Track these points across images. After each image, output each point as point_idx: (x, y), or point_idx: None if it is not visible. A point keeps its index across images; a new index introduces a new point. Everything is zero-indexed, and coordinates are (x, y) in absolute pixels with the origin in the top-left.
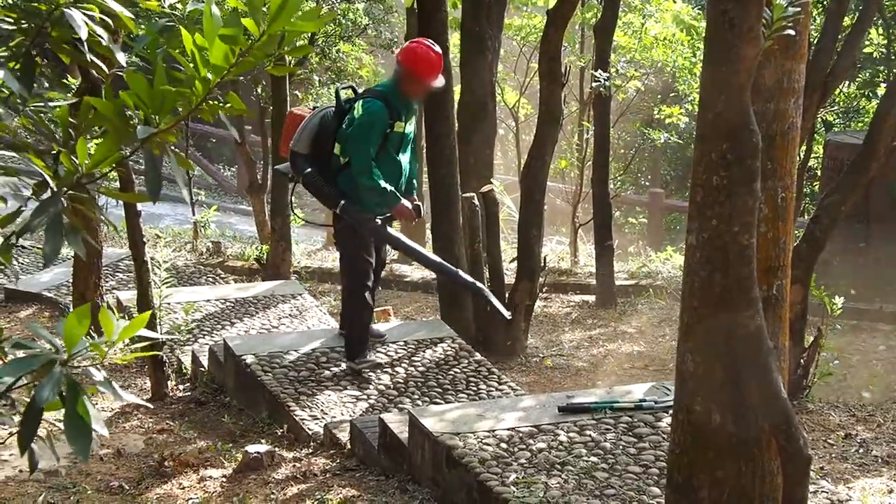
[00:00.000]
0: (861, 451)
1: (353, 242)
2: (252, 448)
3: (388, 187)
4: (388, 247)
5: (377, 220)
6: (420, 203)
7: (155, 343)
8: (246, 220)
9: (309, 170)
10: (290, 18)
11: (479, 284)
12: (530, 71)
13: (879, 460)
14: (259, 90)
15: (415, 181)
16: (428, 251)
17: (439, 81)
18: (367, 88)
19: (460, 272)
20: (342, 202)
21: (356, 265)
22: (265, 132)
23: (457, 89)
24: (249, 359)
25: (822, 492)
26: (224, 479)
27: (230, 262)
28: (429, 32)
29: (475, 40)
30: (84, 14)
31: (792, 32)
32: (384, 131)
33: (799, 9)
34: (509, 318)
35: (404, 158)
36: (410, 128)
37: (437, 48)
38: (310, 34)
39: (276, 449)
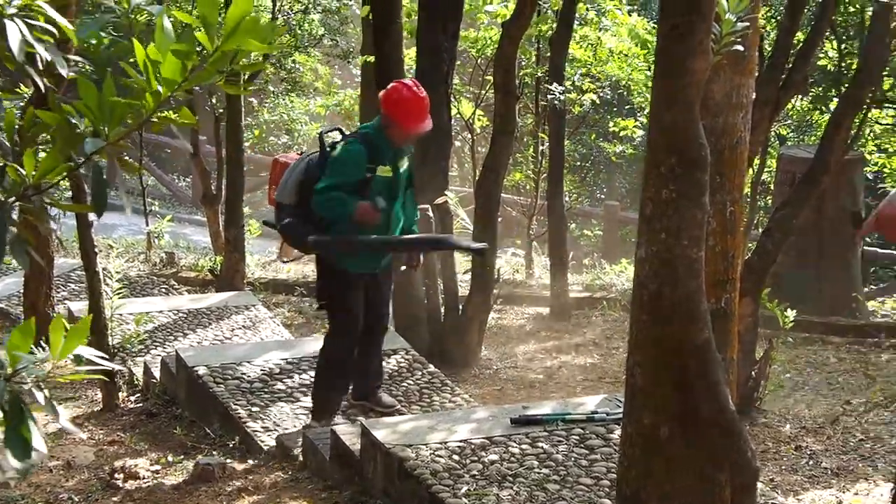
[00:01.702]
0: (811, 462)
1: (340, 299)
2: (203, 460)
3: (343, 197)
4: (390, 309)
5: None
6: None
7: (105, 359)
8: (200, 230)
9: (289, 220)
10: (245, 37)
11: (440, 236)
12: (486, 83)
13: (829, 472)
14: (214, 100)
15: (415, 228)
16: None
17: (425, 126)
18: (356, 130)
19: (421, 237)
20: (311, 237)
21: (336, 328)
22: (220, 143)
23: None
24: (202, 370)
25: (773, 502)
26: (175, 491)
27: (184, 273)
28: (383, 44)
29: (430, 52)
30: (27, 23)
31: (741, 48)
32: (362, 175)
33: (748, 24)
34: (485, 247)
35: (397, 204)
36: (403, 169)
37: (422, 91)
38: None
39: (228, 461)
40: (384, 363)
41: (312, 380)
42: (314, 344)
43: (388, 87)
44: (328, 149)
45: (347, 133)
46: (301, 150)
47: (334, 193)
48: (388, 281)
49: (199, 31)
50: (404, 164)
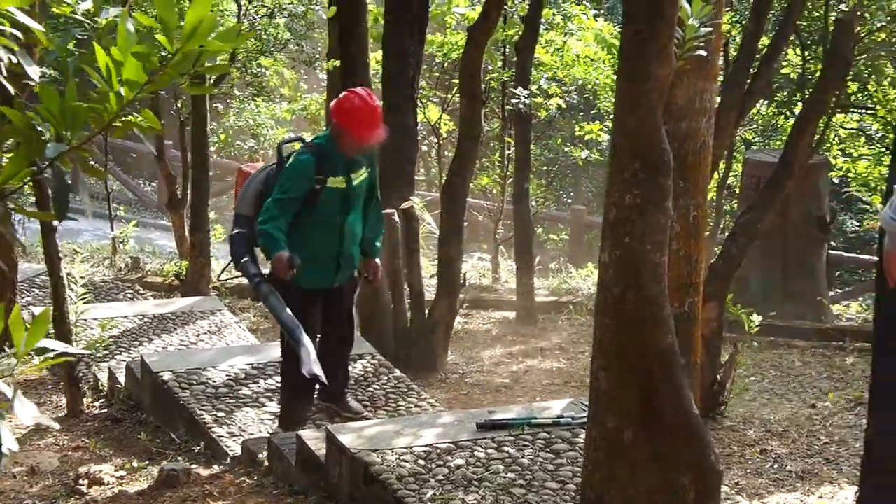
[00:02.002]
0: (776, 466)
1: (295, 313)
2: (168, 465)
3: (277, 236)
4: (355, 320)
5: (261, 276)
6: (378, 265)
7: (67, 354)
8: (166, 235)
9: (236, 231)
10: (205, 37)
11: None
12: (452, 87)
13: (794, 475)
14: (179, 105)
15: (377, 242)
16: (287, 313)
17: (377, 136)
18: (309, 140)
19: (305, 346)
20: (244, 259)
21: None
22: (185, 147)
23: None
24: (167, 375)
25: None
26: (140, 497)
27: (149, 278)
28: (349, 48)
29: (397, 56)
30: None
31: (704, 53)
32: (310, 186)
33: (711, 29)
34: (322, 384)
35: (352, 217)
36: (359, 181)
37: (373, 100)
38: (230, 49)
39: (193, 466)
40: (350, 368)
41: (279, 386)
42: (280, 349)
43: (339, 96)
44: (285, 160)
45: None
46: (265, 159)
47: (269, 226)
48: (351, 294)
49: (160, 33)
50: (361, 175)
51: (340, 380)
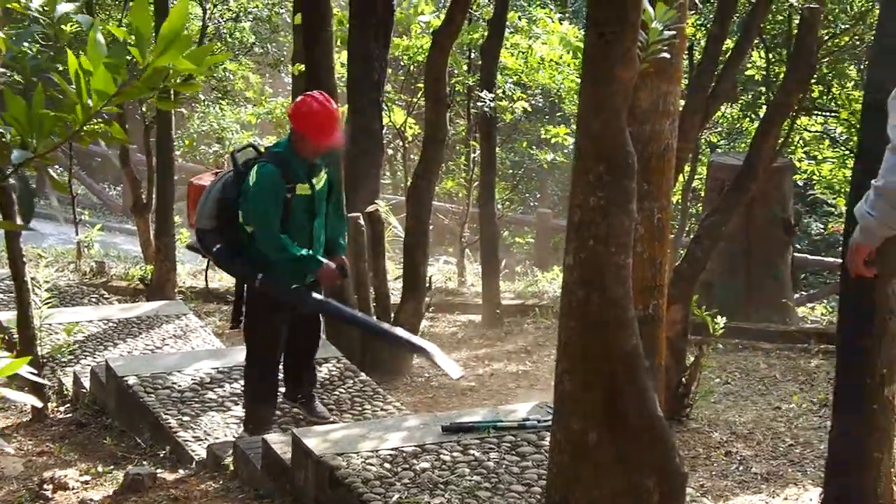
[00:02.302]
0: (741, 468)
1: (265, 320)
2: (134, 470)
3: (304, 252)
4: (321, 325)
5: (302, 287)
6: (346, 261)
7: (34, 364)
8: (131, 239)
9: (218, 246)
10: (178, 55)
11: (423, 344)
12: (418, 91)
13: (759, 477)
14: (144, 109)
15: (341, 240)
16: (367, 316)
17: (335, 139)
18: (266, 149)
19: (403, 334)
20: (260, 276)
21: (261, 347)
22: (150, 151)
23: (343, 109)
24: (132, 380)
25: None
26: (105, 502)
27: (114, 283)
28: (314, 51)
29: (362, 60)
30: None
31: (667, 56)
32: (283, 197)
33: (674, 33)
34: (459, 376)
35: (319, 222)
36: (321, 185)
37: (331, 103)
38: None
39: (159, 471)
40: (316, 372)
41: (242, 390)
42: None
43: (297, 100)
44: (241, 168)
45: (262, 150)
46: (216, 171)
47: (297, 253)
48: (313, 291)
49: (132, 44)
50: (322, 180)
51: (306, 384)
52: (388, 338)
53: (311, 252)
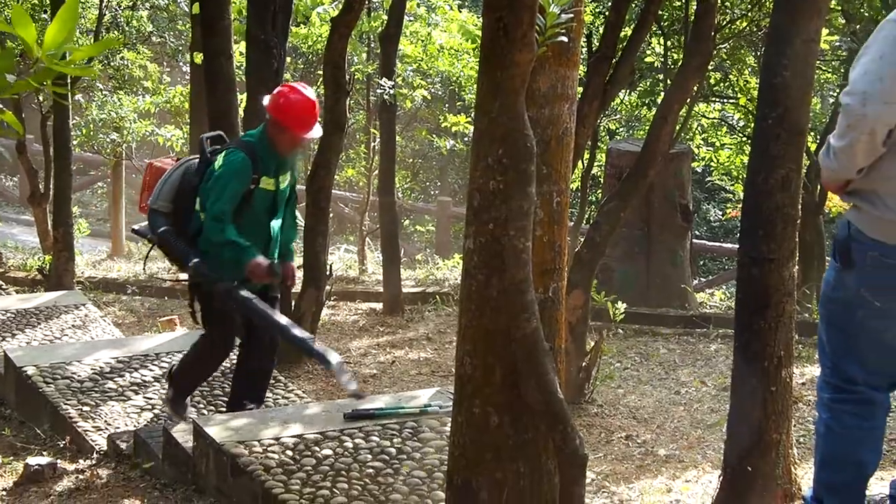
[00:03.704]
0: (642, 451)
1: (216, 313)
2: (33, 461)
3: (243, 243)
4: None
5: (231, 282)
6: (293, 269)
7: None
8: (29, 230)
9: (163, 228)
10: (65, 32)
11: (331, 358)
12: (317, 79)
13: (659, 461)
14: (41, 98)
15: (292, 246)
16: (283, 317)
17: (314, 132)
18: (235, 137)
19: (319, 347)
20: (195, 260)
21: (213, 342)
22: (47, 140)
23: (242, 98)
24: (31, 370)
25: (604, 492)
26: (4, 493)
27: (12, 273)
28: (213, 40)
29: (261, 49)
30: None
31: (565, 39)
32: (246, 187)
33: (572, 16)
34: (354, 391)
35: (276, 223)
36: (285, 185)
37: (311, 94)
38: (93, 41)
39: (59, 461)
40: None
41: (175, 364)
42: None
43: (275, 90)
44: (207, 155)
45: (229, 140)
46: (178, 157)
47: (230, 235)
48: (274, 299)
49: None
50: (286, 180)
51: (259, 390)
52: (305, 347)
53: (250, 245)
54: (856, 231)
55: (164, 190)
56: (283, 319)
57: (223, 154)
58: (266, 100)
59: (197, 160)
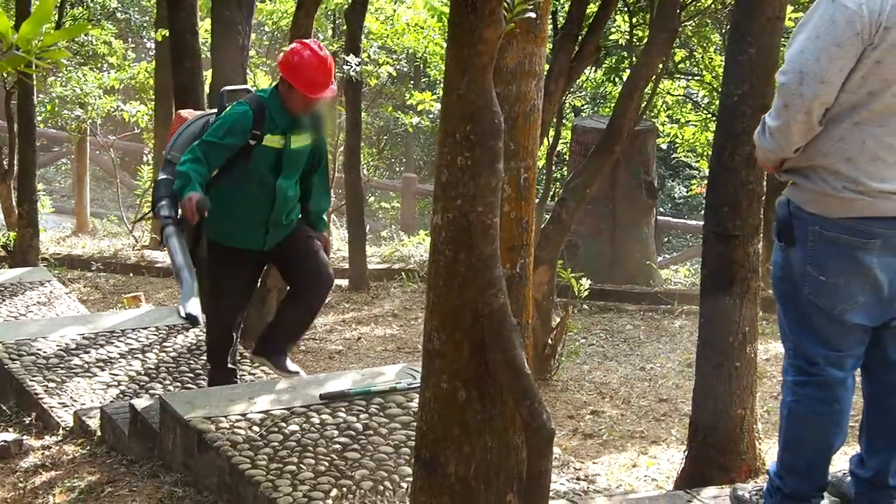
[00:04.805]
0: (607, 427)
1: (209, 280)
2: None
3: (193, 177)
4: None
5: (170, 218)
6: (327, 240)
7: None
8: None
9: (163, 176)
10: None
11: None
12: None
13: (625, 436)
14: (4, 75)
15: (324, 216)
16: (182, 255)
17: (327, 93)
18: (251, 94)
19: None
20: (161, 203)
21: (210, 316)
22: (11, 116)
23: (208, 74)
24: None
25: (570, 467)
26: None
27: None
28: (178, 16)
29: (226, 25)
30: None
31: (533, 15)
32: (242, 142)
33: None
34: (186, 316)
35: (285, 182)
36: (300, 145)
37: (325, 53)
38: (57, 18)
39: (24, 437)
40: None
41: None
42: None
43: (288, 48)
44: (224, 108)
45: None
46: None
47: (188, 167)
48: (306, 242)
49: None
50: (303, 140)
51: (286, 331)
52: (176, 274)
53: (198, 182)
54: (795, 208)
55: (181, 140)
56: (180, 260)
57: (231, 105)
58: (280, 56)
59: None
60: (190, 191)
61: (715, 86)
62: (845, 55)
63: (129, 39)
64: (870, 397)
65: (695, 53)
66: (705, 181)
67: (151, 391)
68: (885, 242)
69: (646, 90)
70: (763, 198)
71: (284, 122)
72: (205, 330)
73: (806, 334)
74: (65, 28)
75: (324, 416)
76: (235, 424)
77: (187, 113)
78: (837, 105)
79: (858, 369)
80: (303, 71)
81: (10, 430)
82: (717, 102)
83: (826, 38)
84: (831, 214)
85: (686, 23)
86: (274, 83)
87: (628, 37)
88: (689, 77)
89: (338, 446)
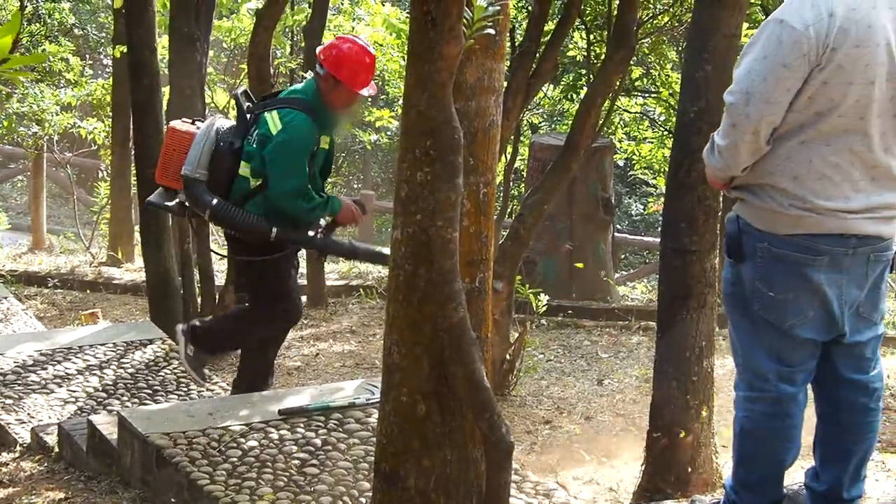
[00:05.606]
0: (566, 442)
1: (269, 276)
2: None
3: (325, 196)
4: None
5: (319, 234)
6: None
7: None
8: None
9: (216, 200)
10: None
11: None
12: (241, 73)
13: (582, 451)
14: None
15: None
16: (367, 246)
17: (370, 90)
18: (283, 96)
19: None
20: (274, 230)
21: (272, 307)
22: None
23: (166, 90)
24: None
25: (528, 482)
26: None
27: None
28: (136, 33)
29: (185, 41)
30: None
31: (492, 31)
32: (312, 150)
33: (499, 8)
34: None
35: (328, 182)
36: (325, 146)
37: (369, 46)
38: (15, 35)
39: None
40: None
41: (201, 324)
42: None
43: (331, 41)
44: (246, 114)
45: (271, 97)
46: (194, 119)
47: (320, 199)
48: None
49: None
50: (328, 140)
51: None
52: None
53: (327, 197)
54: (744, 224)
55: (203, 157)
56: (362, 245)
57: (280, 114)
58: (318, 51)
59: (222, 120)
60: (339, 204)
61: (672, 103)
62: (792, 76)
63: (87, 56)
64: (822, 412)
65: (651, 71)
66: (662, 199)
67: (109, 407)
68: (832, 259)
69: (603, 107)
70: (720, 213)
71: (330, 121)
72: (230, 325)
73: (757, 349)
74: (24, 55)
75: (283, 432)
76: (194, 440)
77: (181, 125)
78: (785, 124)
79: (810, 384)
80: (350, 65)
81: None
82: (674, 119)
83: (773, 59)
84: (779, 231)
85: (643, 40)
86: (307, 78)
87: (585, 54)
88: (646, 94)
89: (297, 462)
